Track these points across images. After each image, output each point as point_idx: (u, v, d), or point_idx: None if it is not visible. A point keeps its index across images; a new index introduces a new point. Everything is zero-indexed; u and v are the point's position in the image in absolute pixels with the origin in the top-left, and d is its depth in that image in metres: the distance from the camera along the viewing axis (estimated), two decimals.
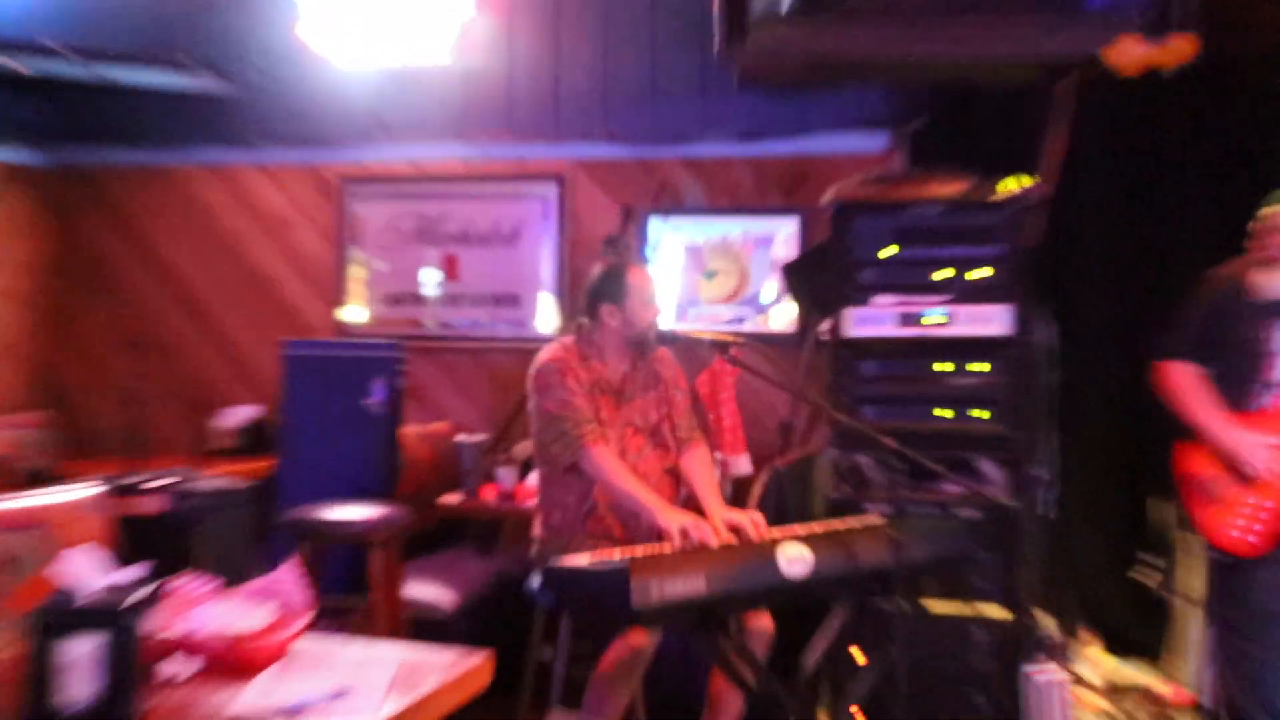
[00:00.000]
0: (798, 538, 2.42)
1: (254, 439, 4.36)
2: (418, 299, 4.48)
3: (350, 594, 3.50)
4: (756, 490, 3.25)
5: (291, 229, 4.62)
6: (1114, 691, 3.44)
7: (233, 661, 1.45)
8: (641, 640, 2.66)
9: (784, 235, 4.07)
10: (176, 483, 2.75)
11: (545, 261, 4.32)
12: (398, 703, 1.30)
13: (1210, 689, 3.10)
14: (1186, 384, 2.98)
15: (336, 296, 4.55)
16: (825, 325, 3.31)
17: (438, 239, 4.42)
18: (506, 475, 3.67)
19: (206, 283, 4.70)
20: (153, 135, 4.67)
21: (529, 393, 2.85)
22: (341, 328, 4.53)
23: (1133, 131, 3.74)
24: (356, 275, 4.54)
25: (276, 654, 1.48)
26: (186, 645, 1.48)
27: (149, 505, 2.65)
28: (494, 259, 4.39)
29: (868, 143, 3.96)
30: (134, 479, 2.78)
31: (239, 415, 4.43)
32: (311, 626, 2.44)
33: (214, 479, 2.92)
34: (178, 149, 4.66)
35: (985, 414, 3.11)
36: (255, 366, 4.64)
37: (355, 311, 4.55)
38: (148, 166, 4.74)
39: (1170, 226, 3.72)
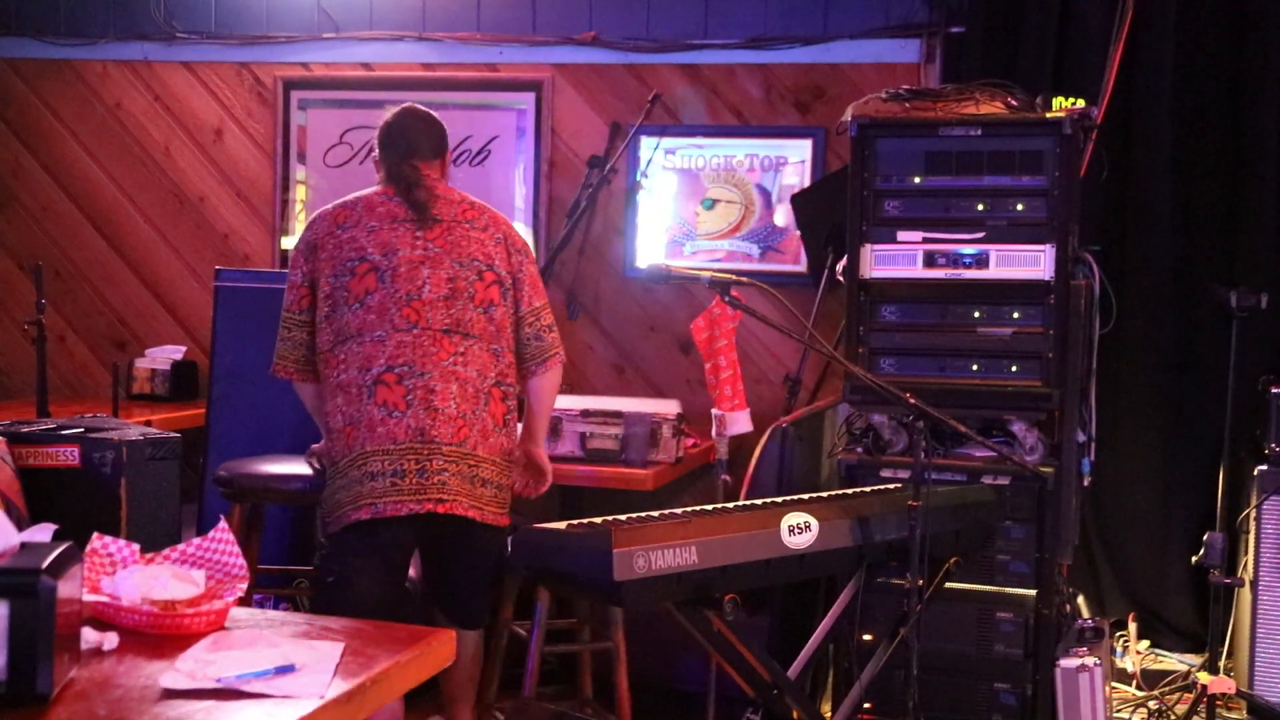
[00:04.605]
0: (803, 505, 2.46)
1: (181, 383, 4.36)
2: None
3: (293, 562, 3.53)
4: (757, 451, 3.29)
5: (223, 140, 4.57)
6: (1153, 682, 3.52)
7: (161, 633, 1.47)
8: None
9: (796, 159, 4.06)
10: (90, 431, 2.76)
11: (519, 185, 4.30)
12: (348, 682, 1.32)
13: (1259, 677, 3.18)
14: None
15: (277, 220, 4.53)
16: (840, 265, 3.31)
17: None
18: None
19: (125, 200, 4.67)
20: (60, 25, 4.59)
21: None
22: (283, 257, 4.51)
23: (1204, 47, 3.71)
24: (300, 196, 4.51)
25: (210, 626, 1.50)
26: (108, 614, 1.51)
27: (58, 457, 2.66)
28: (460, 181, 4.36)
29: (896, 52, 3.93)
30: (40, 426, 2.79)
31: (164, 355, 4.43)
32: (249, 597, 2.46)
33: (134, 428, 2.93)
34: (89, 42, 4.59)
35: (1020, 369, 3.14)
36: (182, 299, 4.63)
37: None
38: (54, 62, 4.67)
39: (1244, 159, 3.71)
